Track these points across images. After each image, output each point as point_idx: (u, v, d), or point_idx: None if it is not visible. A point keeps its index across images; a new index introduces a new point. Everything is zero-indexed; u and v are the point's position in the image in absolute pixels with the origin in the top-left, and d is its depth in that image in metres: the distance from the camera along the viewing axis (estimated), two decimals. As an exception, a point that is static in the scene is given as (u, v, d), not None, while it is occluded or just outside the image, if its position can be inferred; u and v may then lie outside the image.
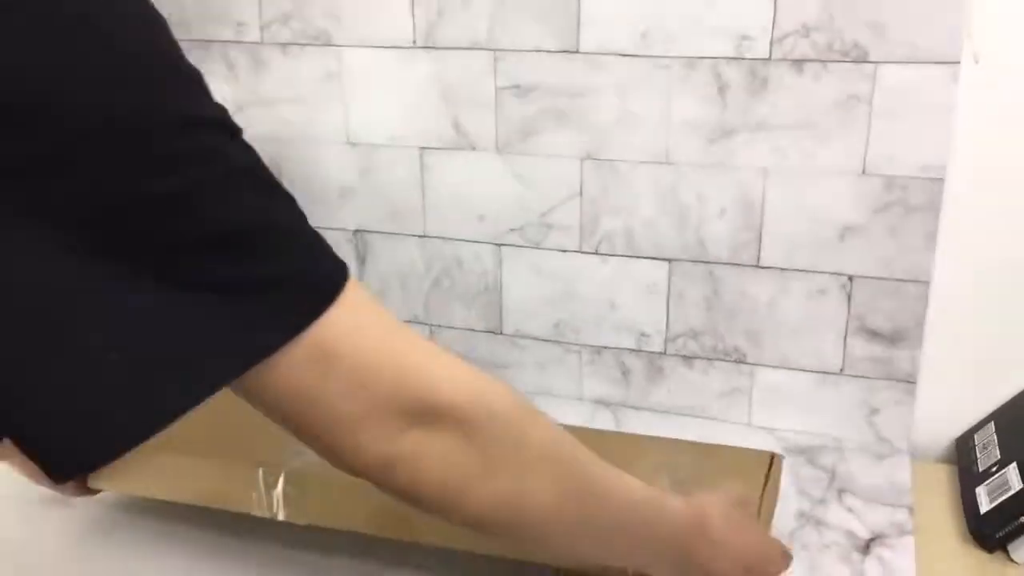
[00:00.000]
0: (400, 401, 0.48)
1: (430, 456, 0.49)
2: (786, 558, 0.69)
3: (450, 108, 1.01)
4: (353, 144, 1.06)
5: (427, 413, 0.49)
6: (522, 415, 0.53)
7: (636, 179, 0.97)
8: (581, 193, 0.99)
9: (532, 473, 0.53)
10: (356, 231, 1.09)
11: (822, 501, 0.88)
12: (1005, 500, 0.80)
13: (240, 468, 0.82)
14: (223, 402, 0.47)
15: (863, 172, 0.90)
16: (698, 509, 0.63)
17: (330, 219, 1.09)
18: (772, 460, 0.83)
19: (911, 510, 0.86)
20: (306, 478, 0.80)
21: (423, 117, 1.03)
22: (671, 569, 0.63)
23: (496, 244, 1.04)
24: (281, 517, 0.81)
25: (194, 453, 0.83)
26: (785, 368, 0.99)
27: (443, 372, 0.50)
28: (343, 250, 1.09)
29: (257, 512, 0.82)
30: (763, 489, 0.80)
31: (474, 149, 1.01)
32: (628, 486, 0.59)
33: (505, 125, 1.00)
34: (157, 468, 0.84)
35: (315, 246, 0.47)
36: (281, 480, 0.80)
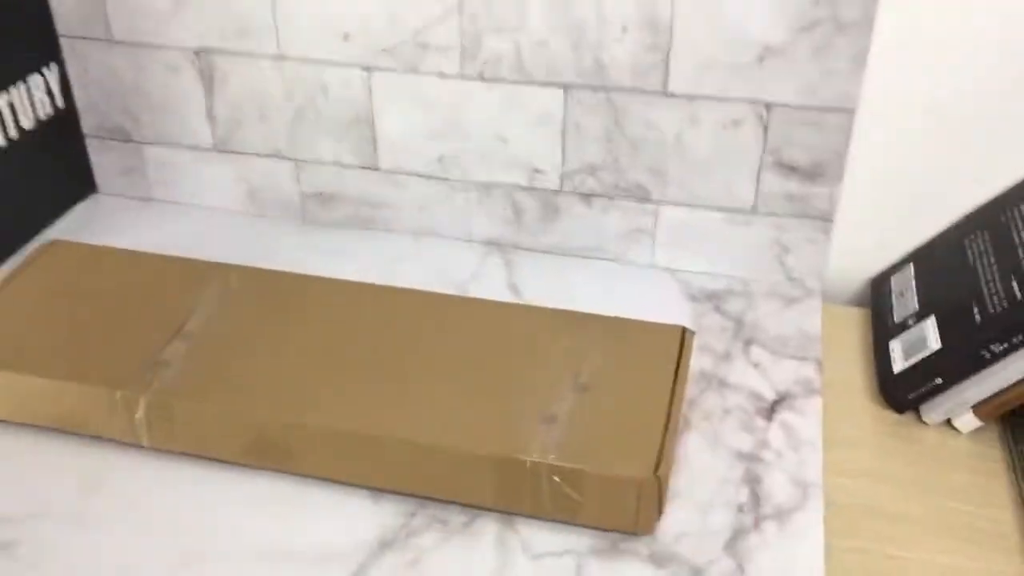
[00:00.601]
0: None
1: None
2: None
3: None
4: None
5: None
6: None
7: (524, -9, 0.82)
8: (460, 8, 0.84)
9: None
10: (198, 51, 0.92)
11: (727, 356, 0.81)
12: (920, 360, 0.74)
13: (97, 391, 0.71)
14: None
15: (787, -17, 0.77)
16: None
17: (162, 35, 0.92)
18: (683, 336, 0.75)
19: (819, 364, 0.80)
20: (171, 403, 0.70)
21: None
22: None
23: (365, 68, 0.89)
24: (145, 443, 0.71)
25: (46, 375, 0.72)
26: (691, 206, 0.89)
27: None
28: (186, 73, 0.93)
29: (120, 438, 0.72)
30: (675, 372, 0.72)
31: (331, -47, 0.84)
32: None
33: (367, -78, 0.82)
34: (5, 389, 0.73)
35: None
36: (142, 404, 0.70)
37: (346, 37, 0.88)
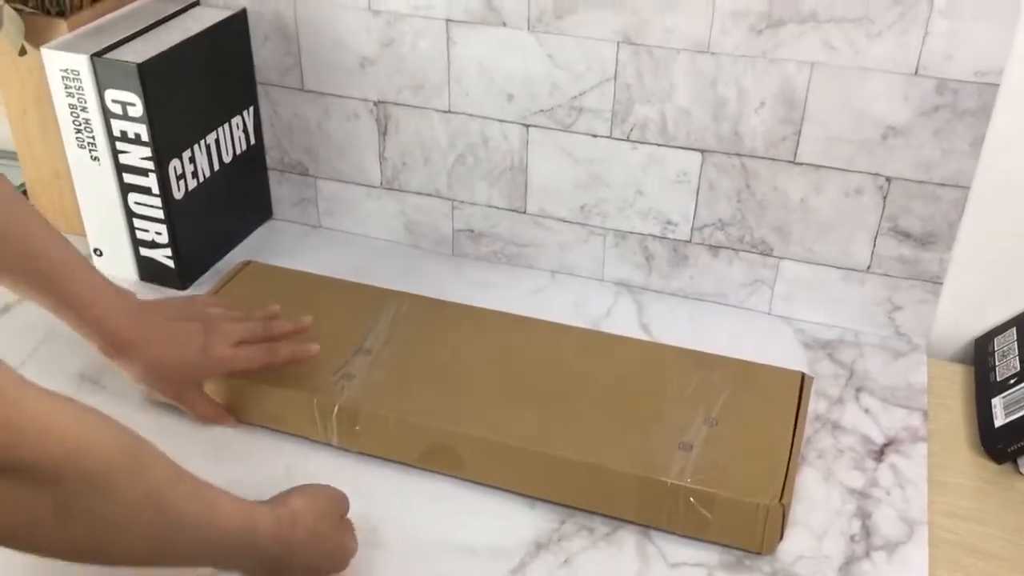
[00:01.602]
0: None
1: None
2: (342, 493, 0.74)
3: (480, -22, 0.95)
4: (375, 12, 1.00)
5: (11, 467, 0.49)
6: (117, 473, 0.54)
7: (674, 67, 0.92)
8: (615, 77, 0.95)
9: (113, 528, 0.55)
10: (377, 102, 1.05)
11: (839, 401, 0.90)
12: (1020, 417, 0.82)
13: (298, 395, 0.84)
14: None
15: (915, 73, 0.86)
16: (285, 523, 0.67)
17: (350, 88, 1.05)
18: (803, 381, 0.84)
19: (925, 414, 0.89)
20: (359, 410, 0.83)
21: (451, -14, 0.97)
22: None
23: (524, 124, 1.01)
24: (335, 443, 0.84)
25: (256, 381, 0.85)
26: (811, 263, 0.98)
27: (39, 426, 0.50)
28: (364, 120, 1.06)
29: (313, 437, 0.85)
30: (796, 413, 0.82)
31: (504, 25, 0.96)
32: (221, 525, 0.62)
33: (538, 1, 0.94)
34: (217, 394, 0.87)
35: None
36: (335, 410, 0.83)
37: (510, 98, 1.00)
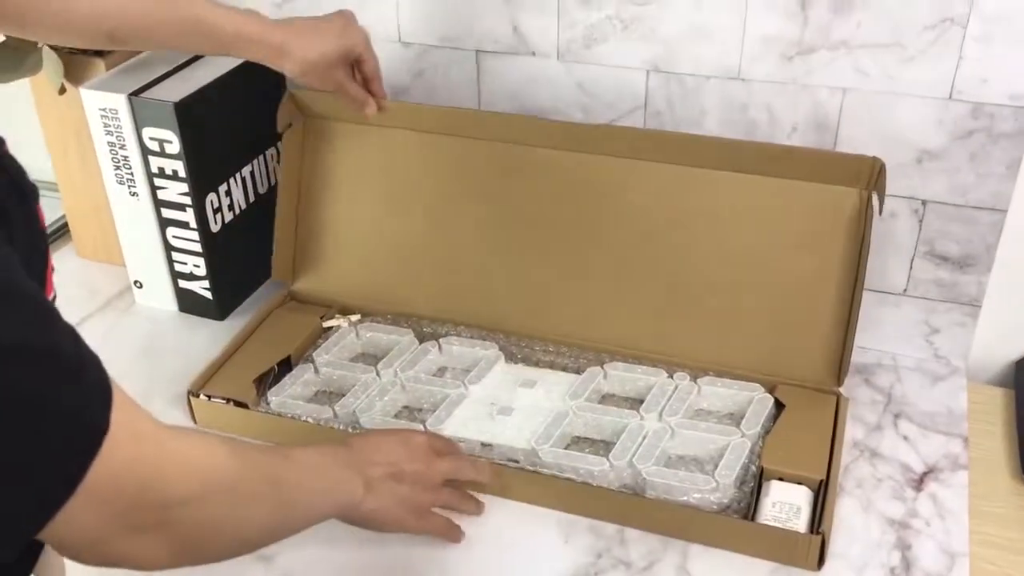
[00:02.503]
0: (131, 517, 0.50)
1: (132, 554, 0.52)
2: (426, 434, 0.81)
3: (510, 9, 0.96)
4: (406, 44, 1.01)
5: (149, 519, 0.51)
6: (236, 499, 0.57)
7: (704, 94, 0.92)
8: (645, 106, 0.95)
9: (237, 532, 0.59)
10: (410, 131, 1.06)
11: (877, 428, 0.89)
12: (1063, 444, 0.81)
13: None
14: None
15: (950, 97, 0.85)
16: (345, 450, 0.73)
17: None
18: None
19: (966, 440, 0.88)
20: None
21: (480, 17, 0.97)
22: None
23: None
24: None
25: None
26: (847, 286, 0.98)
27: (176, 470, 0.53)
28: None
29: None
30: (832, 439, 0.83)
31: (534, 55, 0.97)
32: (312, 485, 0.67)
33: (568, 31, 0.94)
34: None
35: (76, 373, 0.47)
36: None
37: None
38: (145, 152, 0.97)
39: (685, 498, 0.78)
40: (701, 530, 0.78)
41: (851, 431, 0.88)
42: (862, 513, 0.81)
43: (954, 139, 0.87)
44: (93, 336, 1.05)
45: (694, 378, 0.89)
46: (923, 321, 0.97)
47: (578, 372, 0.92)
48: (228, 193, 1.02)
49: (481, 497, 0.82)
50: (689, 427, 0.85)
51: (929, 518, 0.80)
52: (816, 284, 0.86)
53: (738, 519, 0.78)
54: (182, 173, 0.97)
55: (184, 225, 1.00)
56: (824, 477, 0.79)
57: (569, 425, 0.86)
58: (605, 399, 0.91)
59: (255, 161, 1.05)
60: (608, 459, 0.81)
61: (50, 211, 1.19)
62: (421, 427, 0.85)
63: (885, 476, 0.84)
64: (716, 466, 0.80)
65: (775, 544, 0.76)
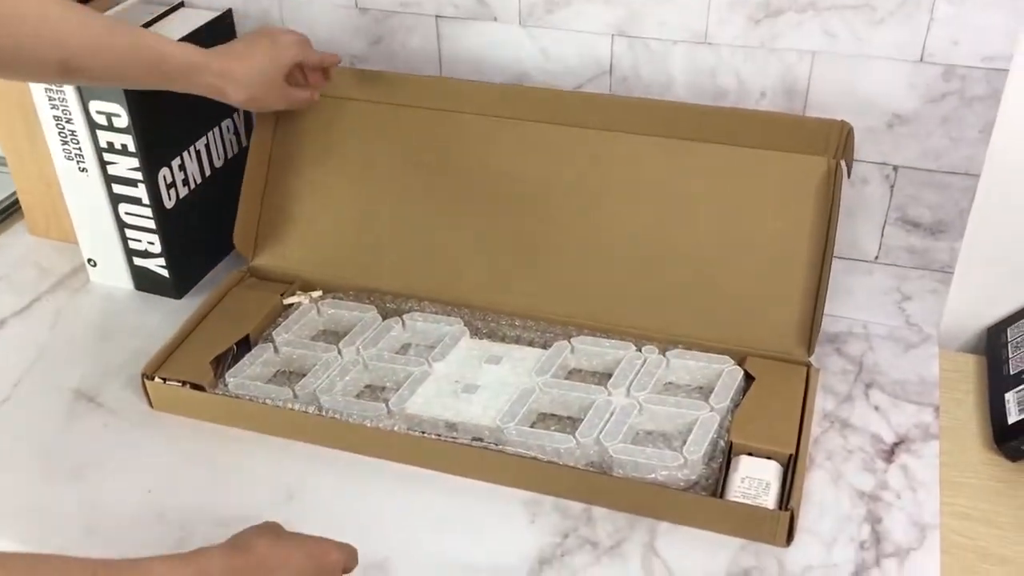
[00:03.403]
0: None
1: None
2: (343, 549, 0.68)
3: (468, -28, 0.92)
4: (363, 9, 0.97)
5: None
6: None
7: (671, 59, 0.90)
8: (611, 72, 0.92)
9: None
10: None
11: (848, 398, 0.88)
12: (1035, 413, 0.80)
13: None
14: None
15: (921, 60, 0.83)
16: (232, 550, 0.63)
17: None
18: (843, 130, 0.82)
19: (937, 410, 0.87)
20: None
21: (439, -19, 0.94)
22: None
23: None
24: None
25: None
26: (818, 254, 0.96)
27: None
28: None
29: None
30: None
31: (495, 20, 0.93)
32: None
33: (529, -6, 0.91)
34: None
35: None
36: None
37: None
38: (93, 126, 0.93)
39: (653, 475, 0.77)
40: (669, 508, 0.76)
41: (821, 402, 0.87)
42: (832, 486, 0.80)
43: (926, 102, 0.85)
44: (45, 316, 1.03)
45: (663, 351, 0.88)
46: (895, 288, 0.95)
47: (545, 347, 0.90)
48: (182, 167, 0.99)
49: (445, 479, 0.80)
50: (657, 402, 0.83)
51: (900, 490, 0.79)
52: (785, 253, 0.84)
53: (706, 496, 0.76)
54: (132, 147, 0.93)
55: (136, 201, 0.97)
56: (794, 451, 0.78)
57: (536, 402, 0.84)
58: (572, 374, 0.90)
59: (210, 134, 1.02)
60: (575, 437, 0.79)
61: (0, 187, 1.16)
62: (335, 545, 0.70)
63: (856, 448, 0.83)
64: (684, 442, 0.79)
65: (744, 521, 0.74)
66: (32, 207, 1.10)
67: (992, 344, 0.92)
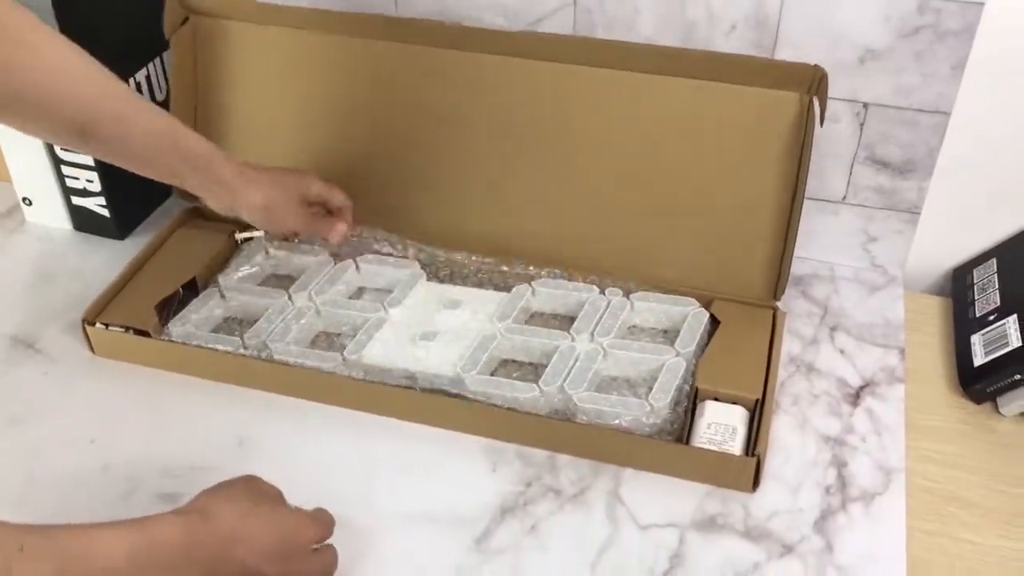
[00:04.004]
0: None
1: None
2: (319, 524, 0.65)
3: None
4: (313, -68, 0.92)
5: None
6: None
7: (638, -11, 0.86)
8: (575, 3, 0.88)
9: None
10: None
11: (814, 342, 0.87)
12: (1001, 356, 0.79)
13: None
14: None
15: (895, -8, 0.80)
16: (193, 519, 0.59)
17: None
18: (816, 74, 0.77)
19: (902, 352, 0.85)
20: None
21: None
22: None
23: (478, 53, 0.94)
24: None
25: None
26: (784, 194, 0.94)
27: None
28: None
29: None
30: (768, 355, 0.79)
31: (453, -55, 0.89)
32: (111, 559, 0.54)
33: (489, -82, 0.86)
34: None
35: None
36: None
37: (463, 21, 0.93)
38: (23, 55, 0.87)
39: (617, 422, 0.75)
40: (634, 454, 0.74)
41: (787, 346, 0.85)
42: (798, 431, 0.78)
43: (899, 37, 0.82)
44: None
45: (627, 294, 0.85)
46: (861, 229, 0.93)
47: (505, 290, 0.87)
48: (122, 100, 0.93)
49: (404, 425, 0.78)
50: (622, 347, 0.81)
51: (865, 434, 0.78)
52: (754, 195, 0.82)
53: (671, 442, 0.75)
54: (66, 78, 0.87)
55: (73, 136, 0.91)
56: (760, 396, 0.76)
57: (497, 348, 0.82)
58: (534, 318, 0.87)
59: (150, 64, 0.96)
60: (538, 385, 0.77)
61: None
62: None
63: (821, 392, 0.82)
64: (650, 388, 0.77)
65: (709, 467, 0.73)
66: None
67: (958, 286, 0.91)
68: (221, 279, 0.88)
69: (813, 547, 0.70)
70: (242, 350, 0.81)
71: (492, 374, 0.81)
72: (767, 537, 0.71)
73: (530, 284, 0.86)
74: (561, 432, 0.75)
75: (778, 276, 0.83)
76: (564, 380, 0.77)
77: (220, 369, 0.81)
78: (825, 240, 0.94)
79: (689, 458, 0.73)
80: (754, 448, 0.73)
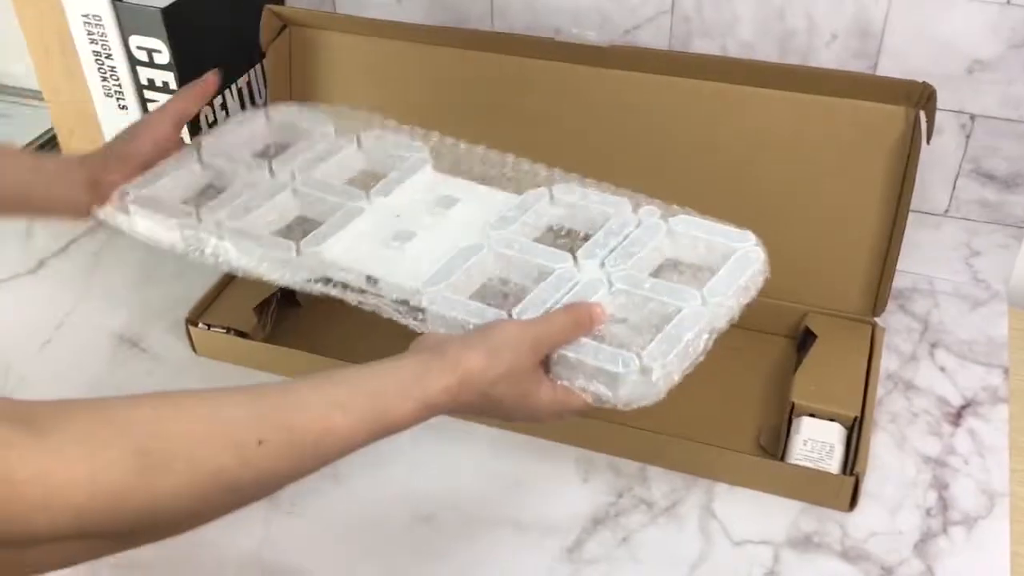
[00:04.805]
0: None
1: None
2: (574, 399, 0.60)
3: (524, -98, 0.87)
4: (412, -59, 0.93)
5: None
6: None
7: (738, -3, 0.85)
8: (672, 10, 0.87)
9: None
10: (416, 38, 0.99)
11: (913, 358, 0.85)
12: (1114, 379, 0.76)
13: None
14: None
15: (1008, 2, 0.77)
16: (457, 383, 0.55)
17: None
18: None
19: (1006, 371, 0.83)
20: None
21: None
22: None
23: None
24: None
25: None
26: (883, 206, 0.92)
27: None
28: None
29: None
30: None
31: (551, -47, 0.89)
32: (350, 438, 0.52)
33: (588, -74, 0.86)
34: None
35: None
36: None
37: (557, 32, 0.93)
38: (133, 62, 0.90)
39: (580, 384, 0.60)
40: (728, 469, 0.74)
41: (885, 362, 0.83)
42: (896, 450, 0.77)
43: (1010, 47, 0.79)
44: (84, 258, 1.01)
45: (665, 216, 0.69)
46: (964, 243, 0.91)
47: (518, 192, 0.72)
48: (224, 106, 0.96)
49: (491, 431, 0.78)
50: (630, 282, 0.64)
51: (967, 455, 0.76)
52: (856, 208, 0.80)
53: (768, 458, 0.74)
54: (173, 85, 0.90)
55: (178, 141, 0.94)
56: (858, 414, 0.75)
57: (481, 263, 0.67)
58: (550, 235, 0.71)
59: (252, 71, 0.98)
60: (510, 314, 0.62)
61: (37, 123, 1.14)
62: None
63: (921, 410, 0.80)
64: (653, 339, 0.61)
65: (806, 484, 0.72)
66: (70, 144, 1.07)
67: (1065, 303, 0.89)
68: (203, 139, 0.77)
69: (913, 571, 0.68)
70: (195, 228, 0.71)
71: (473, 295, 0.66)
72: (865, 559, 0.69)
73: (550, 189, 0.71)
74: (653, 444, 0.75)
75: (877, 292, 0.81)
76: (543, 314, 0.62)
77: (318, 369, 0.82)
78: (926, 253, 0.92)
79: (785, 475, 0.72)
80: (853, 467, 0.72)
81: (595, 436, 0.76)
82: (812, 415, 0.75)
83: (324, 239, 0.69)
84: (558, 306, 0.62)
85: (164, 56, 0.88)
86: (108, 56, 0.91)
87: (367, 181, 0.74)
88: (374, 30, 0.89)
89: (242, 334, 0.84)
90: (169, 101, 0.76)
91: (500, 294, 0.66)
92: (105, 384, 0.85)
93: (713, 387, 0.80)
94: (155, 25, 0.87)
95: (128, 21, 0.88)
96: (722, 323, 0.63)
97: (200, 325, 0.85)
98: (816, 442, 0.73)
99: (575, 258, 0.66)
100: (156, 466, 0.45)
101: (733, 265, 0.65)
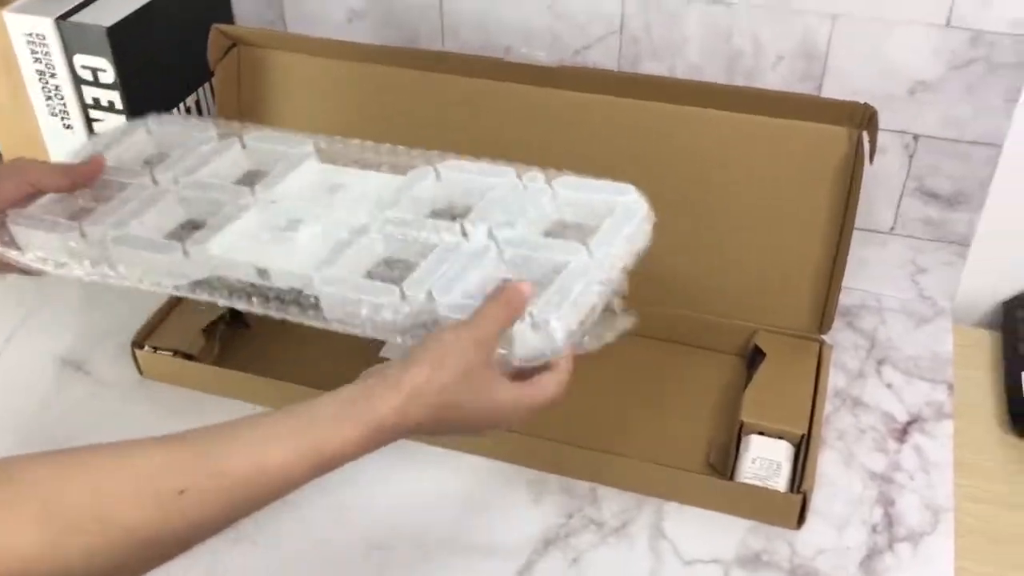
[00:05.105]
0: None
1: None
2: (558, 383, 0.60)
3: (473, -77, 0.88)
4: (362, -39, 0.93)
5: None
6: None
7: (686, 19, 0.85)
8: (621, 31, 0.88)
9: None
10: (367, 58, 0.98)
11: (860, 375, 0.86)
12: (1054, 394, 0.78)
13: None
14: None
15: (948, 24, 0.79)
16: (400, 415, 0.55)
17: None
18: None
19: (951, 387, 0.84)
20: None
21: (442, -68, 0.89)
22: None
23: (523, 81, 0.95)
24: None
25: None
26: (830, 224, 0.93)
27: None
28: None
29: None
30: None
31: (501, -26, 0.89)
32: (285, 469, 0.52)
33: (537, -52, 0.87)
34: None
35: None
36: None
37: (507, 51, 0.93)
38: (78, 81, 0.89)
39: (506, 354, 0.61)
40: (676, 488, 0.74)
41: (833, 379, 0.84)
42: (843, 467, 0.77)
43: (951, 69, 0.81)
44: (23, 279, 0.98)
45: (549, 180, 0.70)
46: (910, 261, 0.92)
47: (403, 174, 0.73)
48: (171, 125, 0.95)
49: (443, 452, 0.78)
50: (518, 243, 0.66)
51: (913, 471, 0.77)
52: (800, 229, 0.81)
53: (716, 477, 0.74)
54: (119, 104, 0.89)
55: (124, 161, 0.93)
56: (806, 431, 0.75)
57: (370, 243, 0.67)
58: (441, 213, 0.71)
59: (200, 90, 0.97)
60: (400, 288, 0.62)
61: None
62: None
63: (868, 427, 0.81)
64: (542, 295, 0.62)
65: (754, 503, 0.72)
66: (15, 164, 1.06)
67: (1008, 319, 0.90)
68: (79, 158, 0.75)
69: (859, 588, 0.69)
70: (79, 241, 0.69)
71: (365, 276, 0.66)
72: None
73: (434, 167, 0.72)
74: (604, 464, 0.75)
75: (823, 310, 0.82)
76: (434, 284, 0.63)
77: (268, 393, 0.81)
78: (872, 271, 0.93)
79: (734, 494, 0.73)
80: (800, 485, 0.72)
81: (545, 456, 0.76)
82: (761, 433, 0.76)
83: (211, 237, 0.68)
84: (454, 277, 0.62)
85: (109, 75, 0.87)
86: (52, 75, 0.89)
87: (253, 180, 0.74)
88: (323, 50, 0.89)
89: (189, 356, 0.83)
90: (45, 170, 0.72)
91: (391, 271, 0.66)
92: (51, 409, 0.83)
93: (663, 406, 0.82)
94: (100, 44, 0.86)
95: (72, 40, 0.87)
96: (613, 273, 0.64)
97: (146, 348, 0.84)
98: (764, 460, 0.74)
99: (463, 228, 0.67)
100: (64, 528, 0.43)
101: (617, 217, 0.67)
